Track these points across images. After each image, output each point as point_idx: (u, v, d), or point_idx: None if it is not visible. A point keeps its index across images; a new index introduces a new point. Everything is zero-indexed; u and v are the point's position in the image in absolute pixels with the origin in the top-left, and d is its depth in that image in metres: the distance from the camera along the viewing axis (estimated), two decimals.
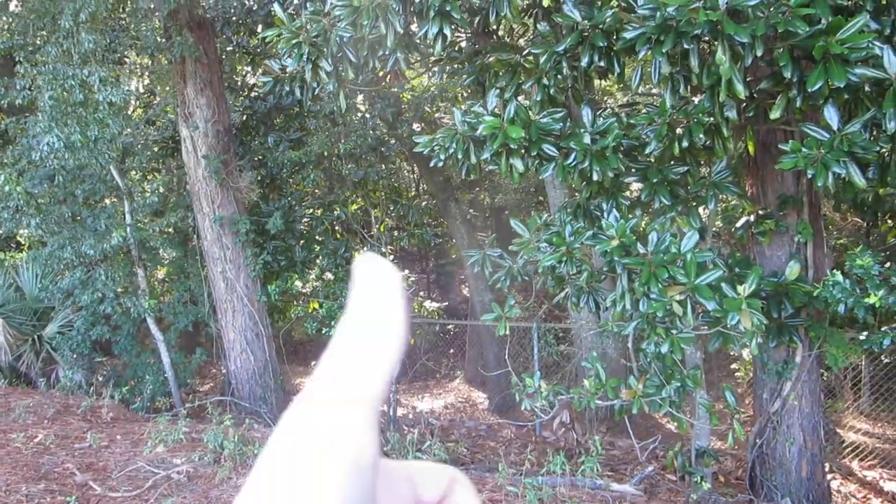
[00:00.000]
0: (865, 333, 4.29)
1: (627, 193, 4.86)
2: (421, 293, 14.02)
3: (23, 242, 11.17)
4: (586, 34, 4.15)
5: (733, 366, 9.90)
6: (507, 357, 5.78)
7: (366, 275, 0.36)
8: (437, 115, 11.14)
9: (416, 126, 10.53)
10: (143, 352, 9.16)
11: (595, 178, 4.21)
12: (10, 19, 7.73)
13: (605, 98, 10.99)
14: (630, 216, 4.37)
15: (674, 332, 4.01)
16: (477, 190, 14.62)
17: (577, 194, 5.17)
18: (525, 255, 4.78)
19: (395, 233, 11.43)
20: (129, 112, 8.43)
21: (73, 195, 8.48)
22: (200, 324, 9.52)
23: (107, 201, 8.95)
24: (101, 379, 9.04)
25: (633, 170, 4.51)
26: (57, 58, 7.08)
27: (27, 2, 7.49)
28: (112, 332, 8.77)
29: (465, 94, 10.59)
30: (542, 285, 5.17)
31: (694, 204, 4.52)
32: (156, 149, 9.74)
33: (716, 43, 3.51)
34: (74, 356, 8.63)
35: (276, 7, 4.73)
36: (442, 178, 11.18)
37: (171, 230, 9.55)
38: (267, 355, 8.87)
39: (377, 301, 0.36)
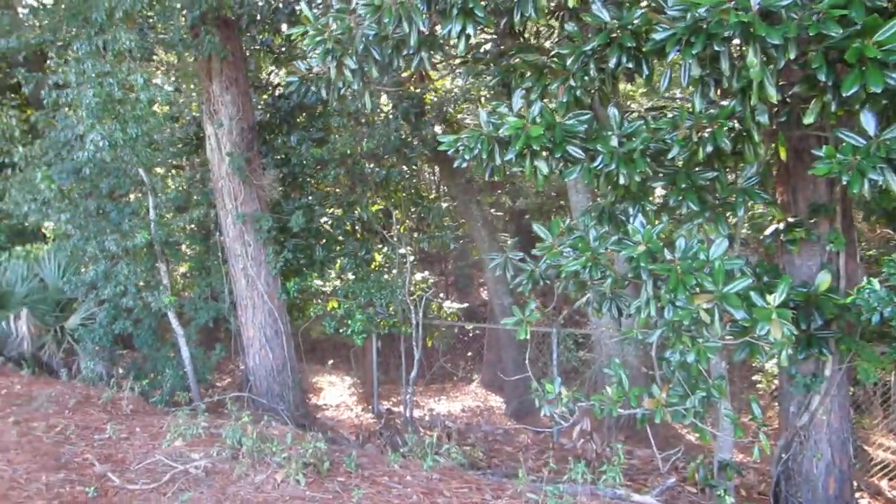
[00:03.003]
0: None
1: (653, 198, 4.77)
2: (440, 295, 13.97)
3: (48, 235, 11.33)
4: (614, 35, 4.07)
5: (755, 377, 9.70)
6: (527, 361, 5.71)
7: None
8: (459, 117, 11.09)
9: (438, 128, 10.49)
10: (163, 346, 9.22)
11: (622, 181, 4.13)
12: (43, 15, 7.81)
13: (628, 102, 10.85)
14: (656, 221, 4.28)
15: (700, 340, 3.91)
16: (499, 193, 14.54)
17: (600, 199, 5.08)
18: (548, 260, 4.71)
19: (416, 234, 11.39)
20: (157, 109, 8.50)
21: (98, 188, 8.56)
22: (220, 320, 9.57)
23: (131, 196, 9.02)
24: (121, 371, 9.12)
25: (660, 174, 4.42)
26: (89, 55, 7.14)
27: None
28: (133, 325, 8.85)
29: (488, 97, 10.53)
30: (564, 290, 5.09)
31: (721, 210, 4.43)
32: (180, 145, 9.81)
33: (747, 45, 3.42)
34: (96, 348, 8.71)
35: (303, 4, 4.73)
36: (464, 180, 11.13)
37: (193, 226, 9.62)
38: (285, 353, 8.88)
39: None
